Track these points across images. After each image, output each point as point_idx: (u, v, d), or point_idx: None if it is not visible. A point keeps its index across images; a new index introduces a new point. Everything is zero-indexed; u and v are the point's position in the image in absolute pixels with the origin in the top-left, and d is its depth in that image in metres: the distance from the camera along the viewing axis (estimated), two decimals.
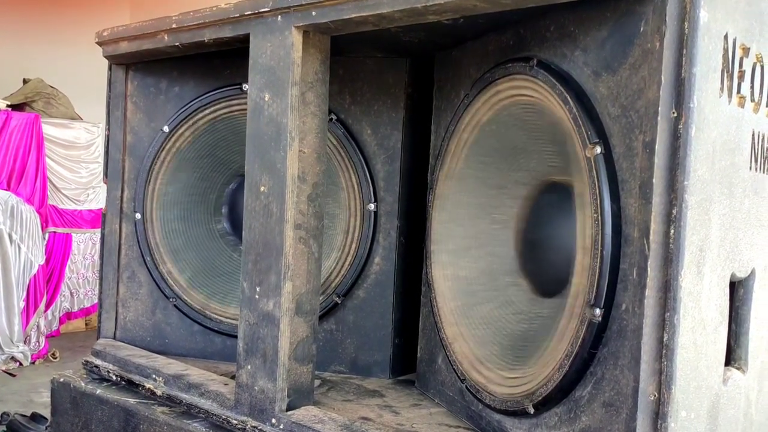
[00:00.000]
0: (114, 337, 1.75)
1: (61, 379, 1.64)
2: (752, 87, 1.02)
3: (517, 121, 1.25)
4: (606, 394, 0.98)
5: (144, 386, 1.51)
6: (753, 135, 1.03)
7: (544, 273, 1.31)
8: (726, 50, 0.94)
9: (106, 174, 1.74)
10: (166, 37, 1.47)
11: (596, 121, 1.01)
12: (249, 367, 1.31)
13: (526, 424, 1.15)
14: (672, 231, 0.90)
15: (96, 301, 6.06)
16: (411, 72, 1.57)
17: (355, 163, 1.59)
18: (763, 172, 1.07)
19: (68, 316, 6.10)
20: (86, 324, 6.43)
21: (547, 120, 1.14)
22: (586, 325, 1.00)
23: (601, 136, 1.00)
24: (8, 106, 5.46)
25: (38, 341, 5.56)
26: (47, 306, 5.70)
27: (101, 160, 5.84)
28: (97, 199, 5.97)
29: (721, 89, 0.94)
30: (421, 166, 1.56)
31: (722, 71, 0.94)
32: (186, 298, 1.72)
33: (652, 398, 0.92)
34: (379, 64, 1.57)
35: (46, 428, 3.50)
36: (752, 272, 1.06)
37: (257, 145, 1.30)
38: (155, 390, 1.48)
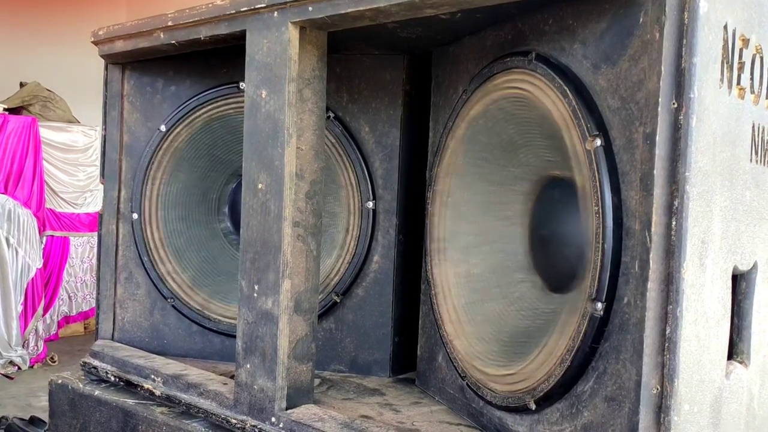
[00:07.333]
0: (112, 338, 1.74)
1: (59, 381, 1.63)
2: (752, 78, 1.01)
3: (516, 116, 1.24)
4: (608, 389, 0.98)
5: (143, 387, 1.50)
6: (753, 127, 1.03)
7: (557, 269, 1.30)
8: (726, 41, 0.94)
9: (102, 174, 1.74)
10: (161, 35, 1.46)
11: (596, 113, 1.01)
12: (248, 366, 1.31)
13: (527, 420, 1.14)
14: (674, 223, 0.89)
15: (94, 304, 6.04)
16: (408, 69, 1.57)
17: (353, 161, 1.58)
18: (764, 164, 1.06)
19: (66, 320, 6.09)
20: (85, 328, 6.40)
21: (545, 114, 1.13)
22: (588, 319, 0.99)
23: (601, 129, 0.99)
24: (5, 109, 5.44)
25: (36, 345, 5.54)
26: (45, 310, 5.68)
27: (99, 163, 5.83)
28: (94, 202, 5.95)
29: (721, 80, 0.94)
30: (420, 164, 1.56)
31: (722, 62, 0.93)
32: (184, 298, 1.71)
33: (655, 392, 0.91)
34: (376, 61, 1.57)
35: (45, 431, 3.48)
36: (754, 265, 1.05)
37: (254, 142, 1.29)
38: (154, 390, 1.47)
